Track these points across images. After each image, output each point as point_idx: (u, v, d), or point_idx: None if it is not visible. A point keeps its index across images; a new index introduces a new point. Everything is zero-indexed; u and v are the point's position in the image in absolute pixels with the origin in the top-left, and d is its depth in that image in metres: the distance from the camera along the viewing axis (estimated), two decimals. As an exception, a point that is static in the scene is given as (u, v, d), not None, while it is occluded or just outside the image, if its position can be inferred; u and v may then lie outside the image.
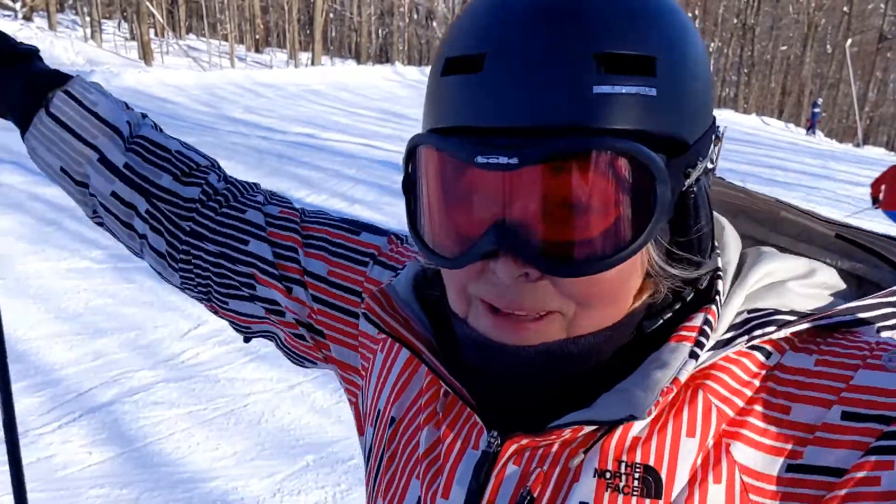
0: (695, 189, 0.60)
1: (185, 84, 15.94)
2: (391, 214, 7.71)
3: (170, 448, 3.50)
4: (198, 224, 0.96)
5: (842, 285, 0.72)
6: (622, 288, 0.61)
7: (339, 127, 12.84)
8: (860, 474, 0.55)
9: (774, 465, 0.59)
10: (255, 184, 1.04)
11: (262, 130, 11.92)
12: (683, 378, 0.60)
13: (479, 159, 0.56)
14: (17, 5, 24.14)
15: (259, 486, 3.23)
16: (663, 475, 0.60)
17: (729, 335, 0.64)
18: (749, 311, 0.66)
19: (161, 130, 1.03)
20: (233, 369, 4.29)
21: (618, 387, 0.63)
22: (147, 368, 4.24)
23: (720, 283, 0.65)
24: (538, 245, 0.57)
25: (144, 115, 1.04)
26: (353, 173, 9.40)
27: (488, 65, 0.57)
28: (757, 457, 0.59)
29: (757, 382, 0.62)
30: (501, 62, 0.56)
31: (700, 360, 0.62)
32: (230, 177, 1.02)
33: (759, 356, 0.63)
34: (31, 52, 1.00)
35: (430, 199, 0.63)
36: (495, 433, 0.67)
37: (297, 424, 3.73)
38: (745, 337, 0.63)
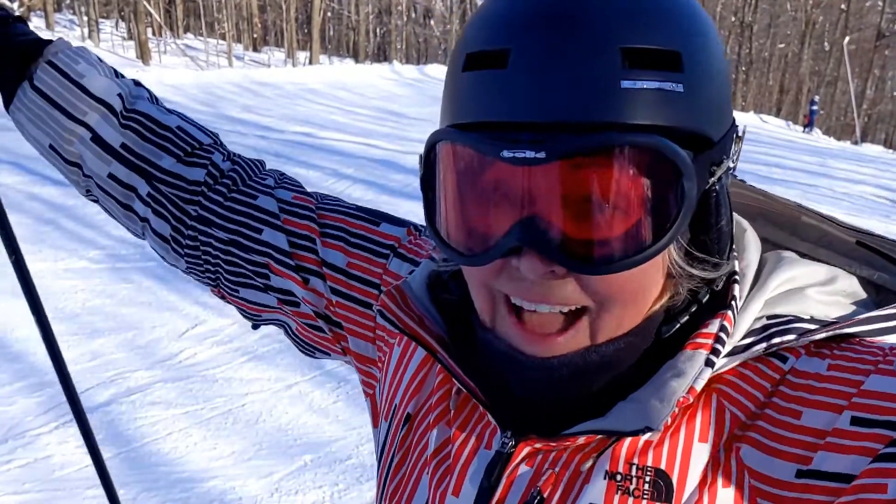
0: (717, 187, 0.60)
1: (182, 83, 15.91)
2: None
3: (167, 448, 3.49)
4: (205, 209, 0.93)
5: (862, 293, 0.70)
6: (645, 287, 0.61)
7: (336, 126, 12.83)
8: (867, 481, 0.54)
9: (784, 470, 0.58)
10: (260, 162, 1.01)
11: (260, 129, 11.90)
12: (699, 387, 0.59)
13: (506, 153, 0.55)
14: (15, 5, 24.12)
15: (257, 486, 3.23)
16: (674, 479, 0.60)
17: (747, 341, 0.63)
18: (768, 318, 0.65)
19: (157, 101, 0.98)
20: (230, 369, 4.28)
21: (633, 396, 0.63)
22: (144, 368, 4.23)
23: (737, 287, 0.64)
24: (565, 242, 0.57)
25: (138, 84, 0.99)
26: (350, 172, 9.39)
27: (513, 59, 0.56)
28: (766, 461, 0.59)
29: (769, 386, 0.62)
30: (527, 56, 0.56)
31: (717, 366, 0.62)
32: (234, 154, 0.99)
33: (775, 360, 0.63)
34: (9, 17, 0.94)
35: (452, 195, 0.63)
36: (509, 434, 0.67)
37: (295, 424, 3.72)
38: (764, 344, 0.62)
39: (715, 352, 0.61)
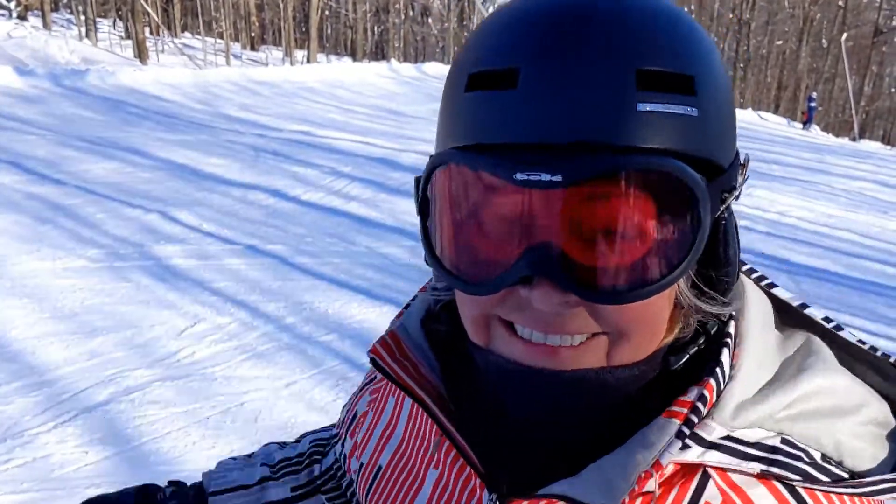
0: (726, 216, 0.58)
1: (180, 82, 15.90)
2: (387, 212, 7.71)
3: (166, 447, 3.49)
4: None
5: (892, 422, 0.66)
6: (659, 316, 0.59)
7: (334, 124, 12.81)
8: None
9: None
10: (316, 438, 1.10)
11: (258, 128, 11.89)
12: (665, 461, 0.56)
13: (519, 176, 0.52)
14: (12, 4, 24.08)
15: (256, 485, 3.22)
16: None
17: (751, 449, 0.59)
18: (783, 440, 0.60)
19: (284, 444, 1.11)
20: (229, 368, 4.28)
21: (602, 461, 0.60)
22: (143, 367, 4.22)
23: (725, 350, 0.61)
24: (581, 270, 0.54)
25: (267, 444, 1.12)
26: (348, 171, 9.38)
27: (524, 79, 0.54)
28: None
29: None
30: (540, 75, 0.53)
31: (704, 454, 0.58)
32: (319, 437, 1.09)
33: (781, 488, 0.59)
34: (180, 494, 1.08)
35: (455, 220, 0.60)
36: (495, 497, 0.64)
37: (294, 422, 3.72)
38: (762, 468, 0.58)
39: (689, 423, 0.57)
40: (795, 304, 0.71)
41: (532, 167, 0.52)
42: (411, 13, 43.73)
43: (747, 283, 0.69)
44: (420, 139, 11.72)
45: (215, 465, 1.10)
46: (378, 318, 5.00)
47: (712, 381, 0.59)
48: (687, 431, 0.57)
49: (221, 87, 15.99)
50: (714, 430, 0.58)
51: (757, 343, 0.63)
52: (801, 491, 0.59)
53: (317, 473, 1.02)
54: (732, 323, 0.63)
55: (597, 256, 0.54)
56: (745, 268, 0.71)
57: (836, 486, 0.59)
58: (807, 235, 8.56)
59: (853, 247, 8.35)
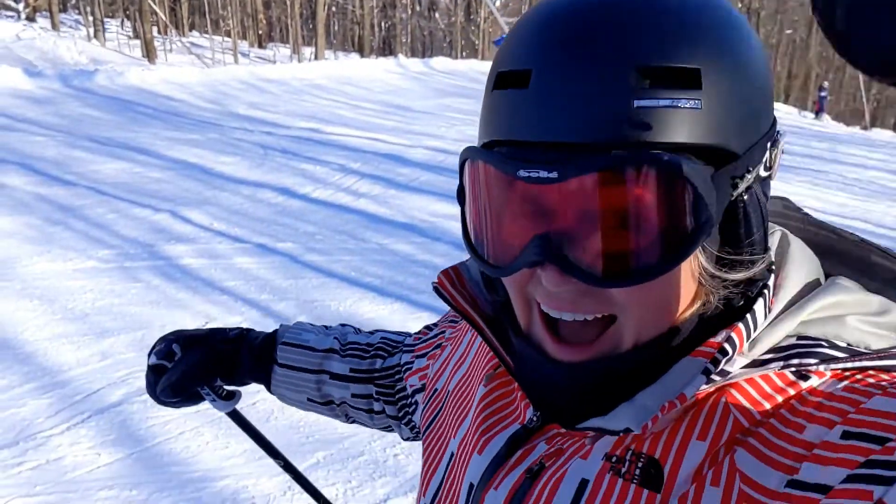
0: (745, 198, 0.60)
1: (188, 81, 15.93)
2: (397, 208, 7.69)
3: (179, 448, 3.48)
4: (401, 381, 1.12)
5: None
6: (670, 296, 0.62)
7: (343, 121, 12.81)
8: (839, 501, 0.53)
9: (774, 479, 0.58)
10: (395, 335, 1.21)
11: (267, 126, 11.89)
12: (690, 394, 0.60)
13: (521, 173, 0.58)
14: (20, 6, 24.16)
15: (269, 485, 3.21)
16: (666, 470, 0.62)
17: (767, 356, 0.63)
18: (798, 338, 0.64)
19: (359, 331, 1.22)
20: (241, 367, 4.26)
21: (636, 397, 0.64)
22: (155, 368, 4.21)
23: (761, 301, 0.63)
24: (578, 257, 0.60)
25: (343, 325, 1.24)
26: (357, 167, 9.37)
27: (534, 80, 0.58)
28: (759, 468, 0.59)
29: (780, 398, 0.61)
30: (545, 76, 0.58)
31: (729, 376, 0.61)
32: (390, 338, 1.19)
33: (794, 377, 0.62)
34: (243, 333, 1.17)
35: (478, 209, 0.67)
36: (538, 414, 0.72)
37: (307, 421, 3.70)
38: (781, 363, 0.61)
39: (715, 361, 0.60)
40: (840, 242, 0.76)
41: (533, 165, 0.58)
42: (418, 8, 43.67)
43: (791, 237, 0.72)
44: (428, 134, 11.70)
45: (293, 323, 1.22)
46: (389, 315, 4.98)
47: (740, 325, 0.62)
48: (713, 369, 0.60)
49: (229, 86, 16.01)
50: (736, 362, 0.62)
51: (792, 291, 0.67)
52: (808, 372, 0.61)
53: (377, 367, 1.13)
54: (771, 277, 0.65)
55: (592, 244, 0.59)
56: (796, 213, 0.78)
57: (854, 361, 0.60)
58: (820, 226, 8.49)
59: (868, 237, 8.24)
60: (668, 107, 0.56)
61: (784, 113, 24.18)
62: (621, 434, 0.63)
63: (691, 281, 0.62)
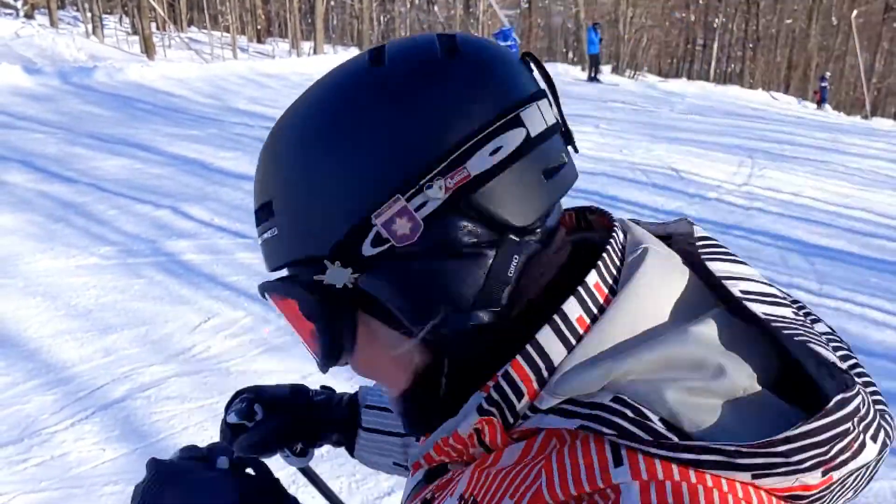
0: (355, 279, 0.63)
1: (188, 77, 15.90)
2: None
3: (183, 442, 3.47)
4: None
5: (768, 396, 0.58)
6: (378, 367, 0.71)
7: (343, 115, 12.76)
8: None
9: None
10: None
11: (267, 121, 11.87)
12: (463, 431, 0.62)
13: None
14: (19, 3, 24.10)
15: (274, 479, 3.22)
16: None
17: (570, 407, 0.57)
18: (615, 398, 0.56)
19: None
20: (245, 361, 4.28)
21: (437, 431, 0.67)
22: (158, 363, 4.23)
23: (546, 328, 0.59)
24: None
25: None
26: (358, 161, 9.36)
27: None
28: None
29: (588, 488, 0.54)
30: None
31: (531, 420, 0.59)
32: None
33: (608, 453, 0.55)
34: (328, 398, 1.20)
35: None
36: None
37: (310, 415, 3.70)
38: (580, 421, 0.56)
39: (490, 399, 0.60)
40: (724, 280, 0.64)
41: None
42: (417, 1, 43.54)
43: (652, 260, 0.64)
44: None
45: (373, 384, 1.18)
46: (391, 309, 4.97)
47: (519, 359, 0.59)
48: (485, 405, 0.60)
49: (229, 81, 15.99)
50: (544, 400, 0.58)
51: (627, 321, 0.60)
52: (623, 451, 0.54)
53: None
54: (574, 302, 0.60)
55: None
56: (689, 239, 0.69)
57: (648, 447, 0.53)
58: (821, 215, 8.50)
59: (869, 226, 8.28)
60: (267, 239, 0.67)
61: (784, 103, 24.13)
62: (422, 464, 0.69)
63: (393, 349, 0.67)
